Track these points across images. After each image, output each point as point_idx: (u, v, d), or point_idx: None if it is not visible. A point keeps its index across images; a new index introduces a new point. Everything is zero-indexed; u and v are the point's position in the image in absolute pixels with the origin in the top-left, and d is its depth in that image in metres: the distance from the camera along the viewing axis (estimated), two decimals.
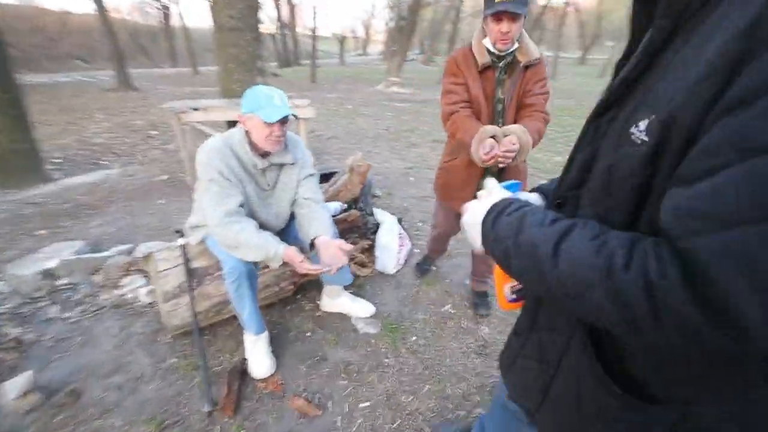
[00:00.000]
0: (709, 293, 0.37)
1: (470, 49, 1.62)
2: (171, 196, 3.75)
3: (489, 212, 0.62)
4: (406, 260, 2.64)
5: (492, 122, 1.66)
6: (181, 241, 1.91)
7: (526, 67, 1.59)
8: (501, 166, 1.55)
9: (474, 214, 0.66)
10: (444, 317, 2.15)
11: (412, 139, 6.41)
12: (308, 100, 4.19)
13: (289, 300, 2.19)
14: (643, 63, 0.51)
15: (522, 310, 0.80)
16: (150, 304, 2.11)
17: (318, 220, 1.68)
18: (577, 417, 0.63)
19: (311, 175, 1.76)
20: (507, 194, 0.72)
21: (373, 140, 6.23)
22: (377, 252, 2.55)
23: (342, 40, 29.44)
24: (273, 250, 1.50)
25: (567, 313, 0.63)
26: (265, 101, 1.45)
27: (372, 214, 2.70)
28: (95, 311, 2.06)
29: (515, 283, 0.79)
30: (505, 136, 1.53)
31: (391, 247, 2.55)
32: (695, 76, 0.42)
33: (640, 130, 0.47)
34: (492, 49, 1.56)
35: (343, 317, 2.09)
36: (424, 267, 2.53)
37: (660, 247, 0.42)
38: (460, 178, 1.80)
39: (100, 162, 4.98)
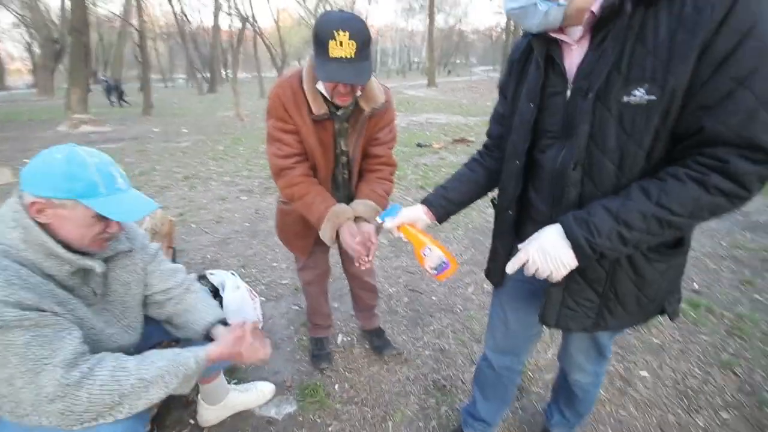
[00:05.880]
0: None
1: (301, 88, 1.28)
2: None
3: (568, 231, 0.76)
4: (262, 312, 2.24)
5: (333, 176, 1.47)
6: None
7: (371, 114, 1.36)
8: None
9: (545, 241, 0.79)
10: (346, 348, 2.00)
11: (159, 182, 5.33)
12: None
13: None
14: (608, 63, 0.71)
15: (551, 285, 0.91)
16: None
17: (199, 308, 1.20)
18: (639, 284, 0.85)
19: (156, 253, 1.21)
20: (417, 210, 1.07)
21: None
22: (230, 320, 2.02)
23: None
24: (191, 361, 0.97)
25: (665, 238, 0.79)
26: (102, 181, 0.88)
27: (203, 277, 2.11)
28: None
29: (432, 262, 1.03)
30: (357, 217, 1.39)
31: (246, 305, 2.09)
32: (666, 55, 0.65)
33: (640, 95, 0.68)
34: (329, 97, 1.28)
35: (242, 418, 1.58)
36: (321, 354, 1.89)
37: (700, 162, 0.67)
38: (300, 225, 1.53)
39: None
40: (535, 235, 0.83)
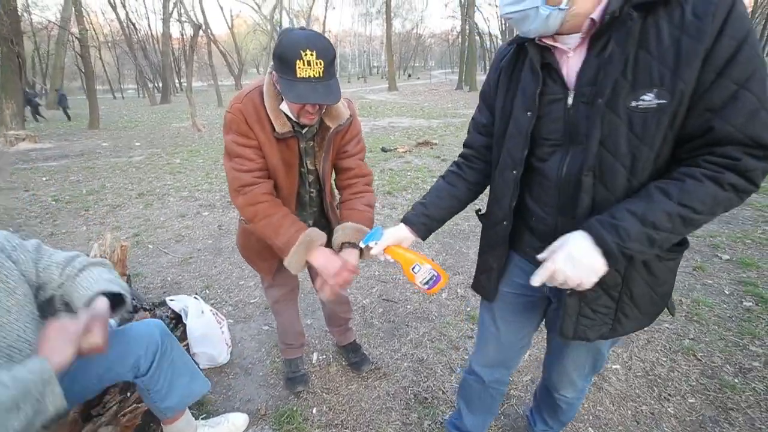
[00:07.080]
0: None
1: (262, 104, 1.20)
2: None
3: (598, 237, 0.75)
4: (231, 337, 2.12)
5: (297, 194, 1.39)
6: None
7: (337, 131, 1.31)
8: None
9: (573, 249, 0.76)
10: (322, 367, 1.92)
11: (110, 201, 4.99)
12: None
13: None
14: (616, 70, 0.72)
15: (567, 292, 0.87)
16: None
17: (82, 285, 1.04)
18: (653, 283, 0.86)
19: (38, 247, 1.07)
20: (401, 230, 1.06)
21: (52, 217, 4.39)
22: (195, 348, 1.91)
23: None
24: (36, 372, 0.83)
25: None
26: None
27: (163, 304, 1.96)
28: None
29: (423, 277, 1.03)
30: (343, 242, 1.28)
31: (213, 330, 1.97)
32: (673, 60, 0.68)
33: (649, 99, 0.70)
34: (293, 117, 1.21)
35: None
36: (295, 376, 1.78)
37: (712, 162, 0.69)
38: (263, 245, 1.40)
39: None
40: (559, 243, 0.79)
